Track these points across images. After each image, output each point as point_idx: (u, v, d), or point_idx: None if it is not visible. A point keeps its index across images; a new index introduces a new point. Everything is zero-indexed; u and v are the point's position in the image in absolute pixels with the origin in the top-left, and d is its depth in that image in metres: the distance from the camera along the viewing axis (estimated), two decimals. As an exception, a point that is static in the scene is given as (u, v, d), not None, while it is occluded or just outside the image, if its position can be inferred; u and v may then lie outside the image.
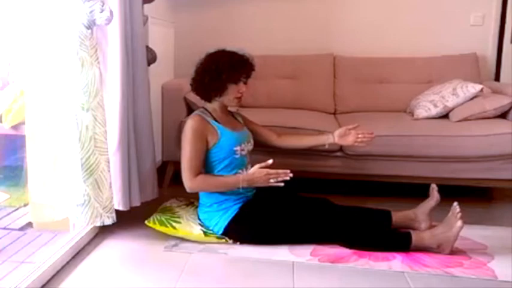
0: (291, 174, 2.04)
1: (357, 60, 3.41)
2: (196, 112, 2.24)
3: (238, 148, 2.18)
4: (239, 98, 2.21)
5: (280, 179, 2.05)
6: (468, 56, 3.33)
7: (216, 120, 2.20)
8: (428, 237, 2.08)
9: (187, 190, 2.14)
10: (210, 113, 2.22)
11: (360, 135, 2.30)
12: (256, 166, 2.10)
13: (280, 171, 2.05)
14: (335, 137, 2.35)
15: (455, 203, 2.09)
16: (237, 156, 2.19)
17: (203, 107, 2.27)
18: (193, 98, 2.37)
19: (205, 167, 2.21)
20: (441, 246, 2.05)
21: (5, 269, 1.84)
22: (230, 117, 2.32)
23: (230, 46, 2.23)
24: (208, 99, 2.24)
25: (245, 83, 2.20)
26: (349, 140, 2.33)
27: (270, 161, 2.08)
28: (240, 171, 2.19)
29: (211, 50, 2.22)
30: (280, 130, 2.54)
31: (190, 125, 2.14)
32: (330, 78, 3.35)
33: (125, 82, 2.12)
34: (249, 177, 2.09)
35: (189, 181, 2.11)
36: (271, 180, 2.05)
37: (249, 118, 2.45)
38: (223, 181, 2.14)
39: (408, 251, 2.07)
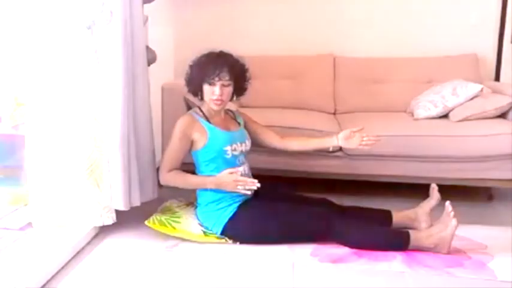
0: (258, 185, 2.07)
1: (357, 60, 3.41)
2: (189, 112, 2.28)
3: (228, 148, 2.18)
4: (215, 101, 2.15)
5: (247, 187, 2.08)
6: (468, 56, 3.33)
7: (207, 120, 2.21)
8: (425, 237, 2.08)
9: (161, 183, 2.25)
10: (203, 113, 2.23)
11: (364, 138, 2.28)
12: (226, 171, 2.12)
13: (248, 180, 2.10)
14: (339, 139, 2.30)
15: (447, 203, 2.10)
16: (227, 156, 2.18)
17: (198, 107, 2.29)
18: (193, 98, 2.38)
19: (198, 167, 2.23)
20: (438, 246, 2.06)
21: (5, 269, 1.84)
22: (227, 117, 2.32)
23: (227, 47, 2.23)
24: (201, 99, 2.25)
25: (226, 86, 2.15)
26: (353, 143, 2.28)
27: (241, 168, 2.16)
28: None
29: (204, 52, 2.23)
30: (280, 130, 2.53)
31: (178, 124, 2.19)
32: (330, 79, 3.35)
33: (125, 82, 2.12)
34: (217, 181, 2.12)
35: (161, 175, 2.21)
36: (239, 187, 2.08)
37: (252, 118, 2.44)
38: (191, 181, 2.20)
39: (406, 250, 2.08)
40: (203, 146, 2.17)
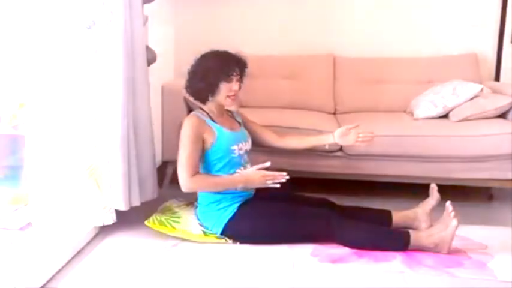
0: (287, 177, 2.08)
1: (357, 60, 3.41)
2: (193, 113, 2.25)
3: (235, 147, 2.19)
4: (231, 97, 2.18)
5: (276, 180, 2.08)
6: (468, 56, 3.33)
7: (213, 120, 2.20)
8: (425, 237, 2.09)
9: (184, 190, 2.13)
10: (207, 114, 2.22)
11: (360, 135, 2.30)
12: (254, 167, 2.13)
13: (276, 173, 2.09)
14: (335, 136, 2.34)
15: (448, 203, 2.10)
16: (234, 155, 2.19)
17: (200, 108, 2.27)
18: (194, 99, 2.37)
19: (204, 167, 2.22)
20: (438, 245, 2.06)
21: (5, 269, 1.84)
22: (228, 117, 2.32)
23: (227, 47, 2.23)
24: (204, 101, 2.23)
25: (238, 81, 2.18)
26: (349, 140, 2.32)
27: (268, 164, 2.12)
28: (238, 170, 2.19)
29: (203, 52, 2.21)
30: (279, 130, 2.53)
31: (187, 125, 2.15)
32: (330, 78, 3.35)
33: (125, 82, 2.12)
34: (246, 178, 2.13)
35: (186, 181, 2.10)
36: (268, 182, 2.09)
37: (249, 118, 2.45)
38: (221, 181, 2.16)
39: (407, 250, 2.08)
40: (212, 146, 2.16)
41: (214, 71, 2.14)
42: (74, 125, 2.12)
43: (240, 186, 2.13)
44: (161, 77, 2.95)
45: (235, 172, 2.18)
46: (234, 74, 2.15)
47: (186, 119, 2.20)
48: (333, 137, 2.34)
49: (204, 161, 2.21)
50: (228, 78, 2.14)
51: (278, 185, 2.09)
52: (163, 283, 1.85)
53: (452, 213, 2.04)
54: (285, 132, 2.54)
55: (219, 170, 2.19)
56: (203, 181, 2.15)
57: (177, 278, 1.88)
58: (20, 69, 2.22)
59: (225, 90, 2.16)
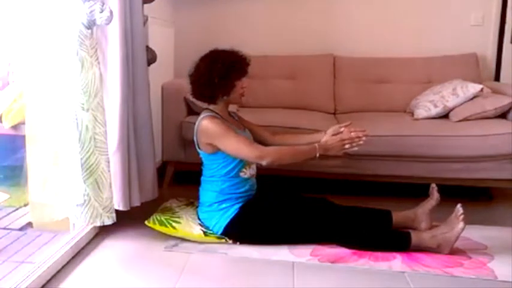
0: (364, 138, 2.08)
1: (357, 60, 3.41)
2: (206, 113, 2.18)
3: None
4: (243, 94, 2.20)
5: (354, 143, 2.09)
6: (468, 56, 3.33)
7: (226, 121, 2.19)
8: (428, 237, 2.08)
9: (265, 163, 2.06)
10: (218, 114, 2.20)
11: (352, 134, 2.29)
12: (329, 134, 2.12)
13: (353, 135, 2.10)
14: (328, 135, 2.33)
15: (459, 205, 2.09)
16: None
17: (208, 109, 2.23)
18: (196, 99, 2.36)
19: (214, 167, 2.18)
20: (441, 246, 2.06)
21: (5, 269, 1.84)
22: (232, 118, 2.32)
23: (227, 47, 2.21)
24: (214, 101, 2.19)
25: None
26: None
27: (342, 129, 2.14)
28: (244, 170, 2.18)
29: (205, 53, 2.19)
30: (279, 130, 2.53)
31: (211, 123, 2.11)
32: (330, 78, 3.35)
33: (125, 82, 2.12)
34: (324, 145, 2.11)
35: (261, 152, 2.07)
36: (346, 146, 2.09)
37: (244, 118, 2.43)
38: (300, 149, 2.14)
39: (408, 251, 2.08)
40: None
41: (234, 69, 2.13)
42: (74, 124, 2.11)
43: (319, 153, 2.11)
44: (161, 77, 2.95)
45: (239, 174, 2.16)
46: (246, 71, 2.18)
47: (204, 120, 2.13)
48: (326, 135, 2.33)
49: (215, 162, 2.17)
50: (241, 77, 2.16)
51: (356, 148, 2.10)
52: (163, 283, 1.85)
53: (462, 216, 2.03)
54: (285, 132, 2.54)
55: (226, 174, 2.15)
56: (279, 149, 2.14)
57: (177, 278, 1.88)
58: (20, 69, 2.22)
59: (239, 88, 2.17)
